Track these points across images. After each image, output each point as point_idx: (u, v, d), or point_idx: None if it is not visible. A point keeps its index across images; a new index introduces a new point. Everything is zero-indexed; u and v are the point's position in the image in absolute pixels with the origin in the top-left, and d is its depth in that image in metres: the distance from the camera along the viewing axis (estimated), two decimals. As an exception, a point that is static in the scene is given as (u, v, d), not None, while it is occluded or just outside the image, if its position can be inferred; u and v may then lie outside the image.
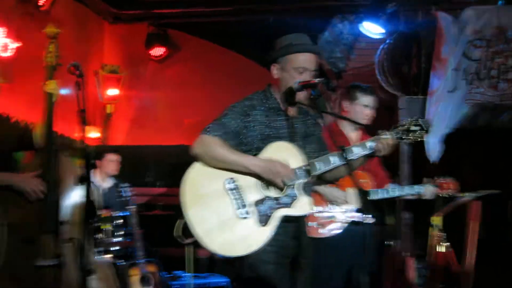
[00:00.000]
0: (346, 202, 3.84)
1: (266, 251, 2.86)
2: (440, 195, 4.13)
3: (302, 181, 2.95)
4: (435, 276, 4.43)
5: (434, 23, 6.20)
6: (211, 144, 2.91)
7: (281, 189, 2.93)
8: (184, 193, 2.89)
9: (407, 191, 4.08)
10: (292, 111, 3.10)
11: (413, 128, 3.12)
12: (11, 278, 3.23)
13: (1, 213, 3.35)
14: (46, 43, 3.64)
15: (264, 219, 2.87)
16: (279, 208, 2.90)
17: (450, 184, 4.12)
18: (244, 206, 2.88)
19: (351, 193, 3.86)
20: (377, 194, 3.96)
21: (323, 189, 3.80)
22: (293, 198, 2.93)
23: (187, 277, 5.06)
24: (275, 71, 3.07)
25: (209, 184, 2.91)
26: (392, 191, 4.02)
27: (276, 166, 2.88)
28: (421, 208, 5.45)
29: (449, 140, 6.04)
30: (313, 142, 3.15)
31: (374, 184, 3.99)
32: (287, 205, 2.92)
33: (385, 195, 3.99)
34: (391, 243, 5.62)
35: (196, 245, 2.88)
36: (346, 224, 3.86)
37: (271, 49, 3.11)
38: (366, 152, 3.07)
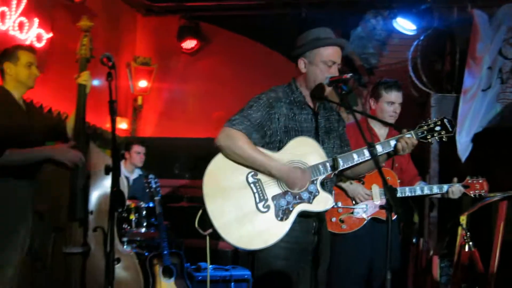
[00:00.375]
0: (369, 198, 3.82)
1: (281, 246, 2.86)
2: (472, 195, 4.06)
3: (323, 176, 2.95)
4: (459, 275, 4.37)
5: (469, 20, 6.11)
6: (236, 138, 2.89)
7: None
8: (206, 185, 2.89)
9: (436, 190, 4.03)
10: (316, 106, 3.09)
11: (437, 128, 3.09)
12: (39, 264, 3.30)
13: (32, 201, 3.43)
14: (80, 36, 3.68)
15: (283, 214, 2.87)
16: (299, 203, 2.90)
17: (481, 184, 4.05)
18: (264, 199, 2.88)
19: (376, 189, 3.84)
20: (405, 192, 3.93)
21: (347, 185, 3.80)
22: (314, 193, 2.93)
23: (209, 268, 5.09)
24: (302, 65, 3.06)
25: (232, 176, 2.91)
26: (421, 189, 3.98)
27: (296, 174, 2.87)
28: (447, 207, 5.38)
29: (479, 139, 5.95)
30: (336, 138, 3.15)
31: (398, 181, 3.95)
32: (307, 200, 2.91)
33: (413, 193, 3.95)
34: (416, 240, 5.57)
35: (213, 236, 2.89)
36: (368, 221, 3.84)
37: (295, 43, 3.10)
38: (389, 150, 3.07)
